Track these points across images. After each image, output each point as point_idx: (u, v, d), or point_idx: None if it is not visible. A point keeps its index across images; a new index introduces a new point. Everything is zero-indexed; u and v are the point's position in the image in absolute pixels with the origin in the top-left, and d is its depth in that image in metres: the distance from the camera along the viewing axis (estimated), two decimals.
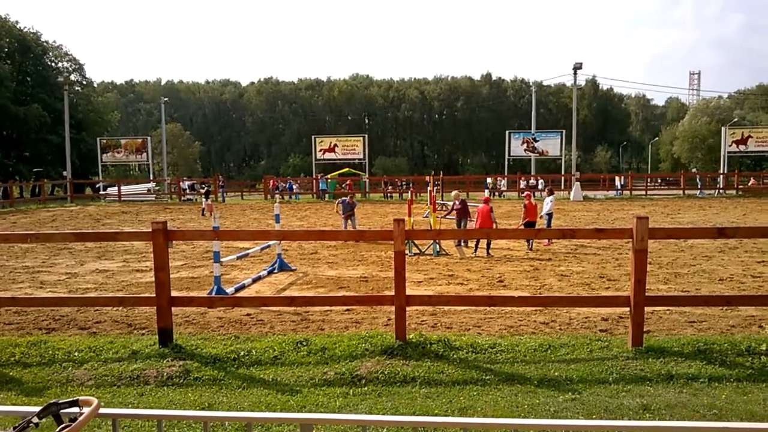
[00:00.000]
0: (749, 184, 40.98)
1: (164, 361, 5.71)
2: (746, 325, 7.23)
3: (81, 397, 1.97)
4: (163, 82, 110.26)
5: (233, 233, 11.16)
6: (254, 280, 10.44)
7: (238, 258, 10.87)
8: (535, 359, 5.64)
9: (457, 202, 15.14)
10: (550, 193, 16.30)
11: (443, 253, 13.65)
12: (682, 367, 5.35)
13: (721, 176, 41.53)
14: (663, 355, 5.64)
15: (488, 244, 13.68)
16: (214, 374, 5.44)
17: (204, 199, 26.84)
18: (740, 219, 21.81)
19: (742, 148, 43.64)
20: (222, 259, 9.42)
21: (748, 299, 7.33)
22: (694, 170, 66.00)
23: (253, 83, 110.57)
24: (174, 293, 6.75)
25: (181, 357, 5.82)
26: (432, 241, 13.73)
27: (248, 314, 8.01)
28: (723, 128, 46.12)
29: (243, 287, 9.84)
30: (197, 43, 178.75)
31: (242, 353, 5.89)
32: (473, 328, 7.22)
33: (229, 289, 9.35)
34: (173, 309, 6.40)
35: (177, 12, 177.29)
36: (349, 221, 16.72)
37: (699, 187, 39.61)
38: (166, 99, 58.70)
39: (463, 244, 14.24)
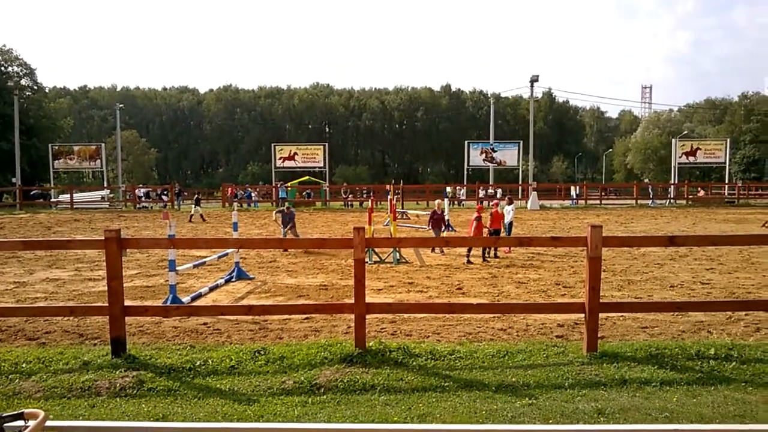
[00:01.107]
0: (698, 194, 42.40)
1: (117, 372, 5.55)
2: (696, 330, 7.45)
3: (26, 410, 1.91)
4: (118, 88, 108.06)
5: (189, 241, 10.94)
6: (211, 289, 10.26)
7: (195, 266, 10.68)
8: (493, 365, 5.70)
9: (438, 211, 15.61)
10: (510, 202, 16.56)
11: (403, 261, 13.68)
12: (635, 371, 5.48)
13: (672, 186, 42.89)
14: (617, 360, 5.76)
15: (486, 250, 14.21)
16: (169, 385, 5.31)
17: (194, 206, 27.94)
18: (690, 228, 22.54)
19: (691, 159, 45.16)
20: (178, 268, 9.24)
21: (698, 305, 7.57)
22: (646, 180, 68.10)
23: (211, 90, 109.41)
24: (128, 302, 6.59)
25: (134, 367, 5.67)
26: (392, 249, 13.75)
27: (205, 323, 7.86)
28: (673, 140, 47.68)
29: (200, 296, 9.67)
30: (154, 50, 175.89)
31: (198, 363, 5.77)
32: (432, 335, 7.25)
33: (185, 298, 9.17)
34: (127, 318, 6.24)
35: (133, 17, 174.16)
36: (290, 232, 16.11)
37: (651, 197, 40.80)
38: (121, 105, 57.38)
39: (438, 251, 14.96)
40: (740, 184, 46.98)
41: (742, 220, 26.01)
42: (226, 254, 11.95)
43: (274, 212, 17.41)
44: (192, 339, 7.16)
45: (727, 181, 47.56)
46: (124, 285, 6.42)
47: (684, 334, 7.26)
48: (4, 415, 1.84)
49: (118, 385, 5.29)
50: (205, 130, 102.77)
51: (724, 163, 45.88)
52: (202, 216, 27.53)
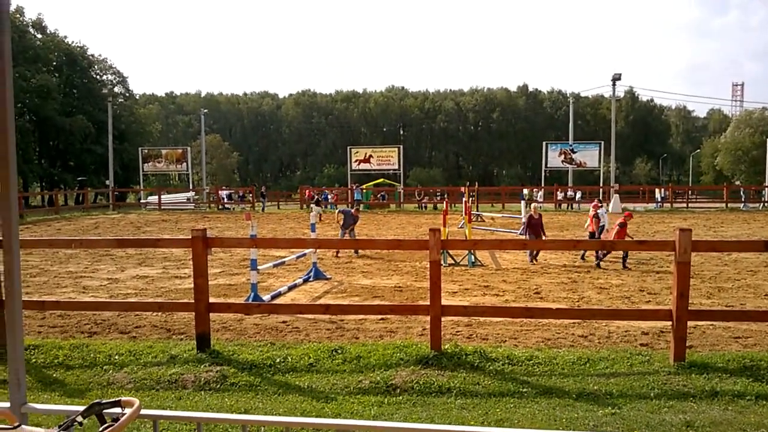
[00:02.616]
0: None
1: (202, 366, 5.79)
2: None
3: (123, 398, 2.01)
4: (203, 94, 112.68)
5: (270, 241, 11.26)
6: (290, 288, 10.52)
7: (275, 266, 10.99)
8: (573, 372, 5.54)
9: (536, 216, 14.72)
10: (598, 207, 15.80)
11: (478, 264, 13.53)
12: (728, 383, 5.18)
13: (766, 189, 40.28)
14: (707, 370, 5.47)
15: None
16: (251, 380, 5.48)
17: (314, 206, 28.29)
18: None
19: None
20: (259, 267, 9.53)
21: None
22: (737, 183, 64.22)
23: (290, 95, 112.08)
24: (212, 300, 6.85)
25: (218, 362, 5.89)
26: (467, 252, 13.63)
27: (284, 321, 8.06)
28: None
29: (279, 295, 9.93)
30: (236, 57, 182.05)
31: (278, 360, 5.93)
32: (509, 340, 7.13)
33: (266, 297, 9.45)
34: (211, 315, 6.49)
35: (217, 26, 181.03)
36: (348, 235, 15.90)
37: (743, 200, 38.46)
38: (205, 110, 59.90)
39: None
40: None
41: None
42: (304, 254, 12.21)
43: (337, 211, 17.32)
44: (272, 336, 7.36)
45: None
46: (209, 283, 6.68)
47: None
48: (103, 402, 1.95)
49: (202, 379, 5.51)
50: (284, 133, 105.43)
51: None
52: (320, 216, 28.13)
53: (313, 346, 6.40)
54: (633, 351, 6.24)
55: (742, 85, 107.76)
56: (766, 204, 37.92)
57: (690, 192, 45.67)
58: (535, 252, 14.02)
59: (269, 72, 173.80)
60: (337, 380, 5.43)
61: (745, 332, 7.36)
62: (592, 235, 14.43)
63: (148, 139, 60.88)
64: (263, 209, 37.61)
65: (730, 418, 4.46)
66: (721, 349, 6.55)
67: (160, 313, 8.56)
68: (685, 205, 38.35)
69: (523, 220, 21.41)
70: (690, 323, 6.32)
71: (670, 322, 5.83)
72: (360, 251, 15.23)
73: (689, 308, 5.76)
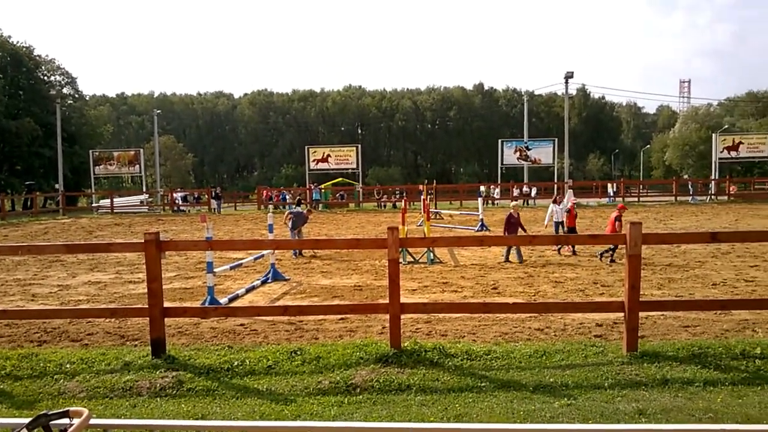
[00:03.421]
0: (731, 190, 40.78)
1: (157, 372, 5.66)
2: (740, 329, 7.24)
3: (71, 408, 1.95)
4: (155, 95, 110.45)
5: (226, 243, 11.12)
6: (248, 290, 10.39)
7: (232, 268, 10.83)
8: (530, 365, 5.63)
9: (515, 214, 14.40)
10: (556, 201, 16.07)
11: (437, 261, 13.63)
12: (678, 371, 5.35)
13: (713, 182, 41.78)
14: (658, 359, 5.63)
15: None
16: (208, 385, 5.39)
17: (296, 207, 28.77)
18: (732, 224, 21.91)
19: (733, 154, 43.92)
20: (215, 270, 9.38)
21: (742, 303, 7.36)
22: (686, 176, 66.47)
23: (246, 95, 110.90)
24: (167, 304, 6.72)
25: (174, 368, 5.78)
26: (426, 249, 13.71)
27: (242, 324, 7.96)
28: (714, 135, 46.46)
29: (236, 297, 9.80)
30: (190, 56, 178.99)
31: (236, 363, 5.85)
32: (468, 336, 7.20)
33: (223, 300, 9.31)
34: (166, 320, 6.36)
35: (169, 25, 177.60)
36: (296, 236, 15.66)
37: (691, 193, 39.80)
38: (158, 111, 58.65)
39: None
40: None
41: None
42: (262, 256, 12.08)
43: (287, 212, 17.05)
44: (229, 340, 7.26)
45: None
46: (164, 287, 6.54)
47: (728, 333, 7.06)
48: (51, 413, 1.89)
49: (158, 385, 5.39)
50: (240, 134, 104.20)
51: None
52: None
53: (272, 348, 6.34)
54: (587, 342, 6.37)
55: (689, 82, 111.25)
56: (712, 197, 39.29)
57: (641, 186, 47.00)
58: (510, 250, 13.83)
59: (224, 71, 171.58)
60: (297, 382, 5.39)
61: (694, 321, 7.60)
62: (571, 230, 14.71)
63: (100, 141, 59.36)
64: (219, 211, 37.05)
65: (680, 404, 4.60)
66: (671, 338, 6.76)
67: (113, 320, 8.33)
68: (636, 199, 39.47)
69: (481, 216, 21.72)
70: (642, 314, 6.49)
71: (622, 314, 5.97)
72: (302, 252, 15.17)
73: (641, 299, 5.92)
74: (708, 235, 6.47)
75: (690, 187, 41.69)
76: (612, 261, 12.85)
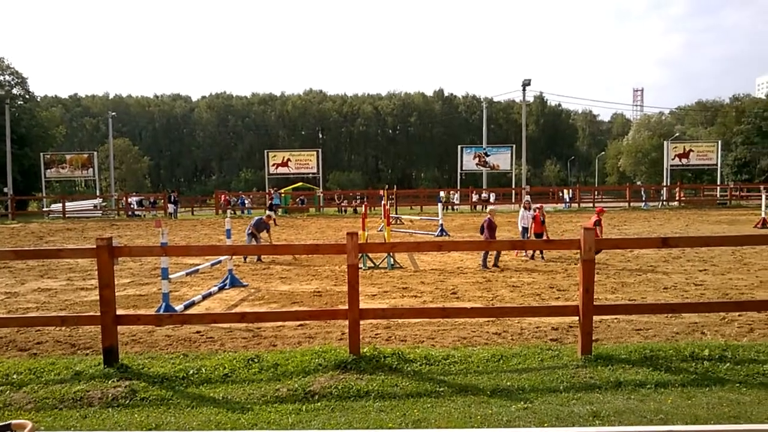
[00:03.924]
0: (679, 197, 42.04)
1: (109, 382, 5.51)
2: (690, 331, 7.46)
3: (14, 421, 1.89)
4: (111, 96, 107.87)
5: (182, 249, 10.89)
6: (204, 297, 10.21)
7: (188, 274, 10.63)
8: (487, 370, 5.68)
9: (494, 219, 14.30)
10: (527, 208, 16.11)
11: (397, 266, 13.66)
12: (630, 373, 5.47)
13: (665, 189, 43.05)
14: (611, 362, 5.75)
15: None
16: (162, 394, 5.27)
17: (268, 211, 29.07)
18: (683, 229, 22.61)
19: (684, 161, 45.45)
20: (171, 276, 9.19)
21: (691, 307, 7.57)
22: (638, 183, 68.34)
23: (204, 97, 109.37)
24: (120, 311, 6.55)
25: (127, 377, 5.63)
26: (386, 254, 13.73)
27: (198, 332, 7.82)
28: (665, 142, 47.94)
29: (193, 304, 9.62)
30: (147, 57, 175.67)
31: (191, 372, 5.73)
32: (427, 340, 7.22)
33: (178, 307, 9.12)
34: (119, 328, 6.19)
35: (124, 24, 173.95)
36: (254, 241, 15.62)
37: (644, 199, 40.93)
38: (113, 113, 57.35)
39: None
40: (732, 186, 47.25)
41: (734, 221, 26.13)
42: (220, 261, 11.90)
43: (251, 220, 16.96)
44: (185, 347, 7.12)
45: (719, 183, 47.79)
46: (117, 294, 6.38)
47: (678, 335, 7.27)
48: None
49: (110, 395, 5.25)
50: (198, 137, 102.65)
51: (716, 164, 46.17)
52: (274, 221, 28.15)
53: (229, 356, 6.24)
54: (543, 346, 6.47)
55: (642, 90, 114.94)
56: (664, 203, 40.48)
57: (596, 192, 48.07)
58: (487, 256, 13.98)
59: (182, 74, 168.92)
60: (254, 390, 5.31)
61: (646, 324, 7.81)
62: (538, 235, 14.82)
63: (52, 144, 57.63)
64: (175, 215, 36.35)
65: (633, 406, 4.70)
66: (624, 341, 6.92)
67: (63, 328, 8.08)
68: (591, 204, 40.34)
69: (441, 221, 21.87)
70: (596, 318, 6.62)
71: (577, 318, 6.08)
72: (261, 257, 15.06)
73: (595, 303, 6.04)
74: (659, 240, 6.64)
75: (643, 193, 42.89)
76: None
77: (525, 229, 15.21)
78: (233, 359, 6.05)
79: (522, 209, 15.74)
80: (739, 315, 8.14)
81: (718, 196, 43.70)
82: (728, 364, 5.65)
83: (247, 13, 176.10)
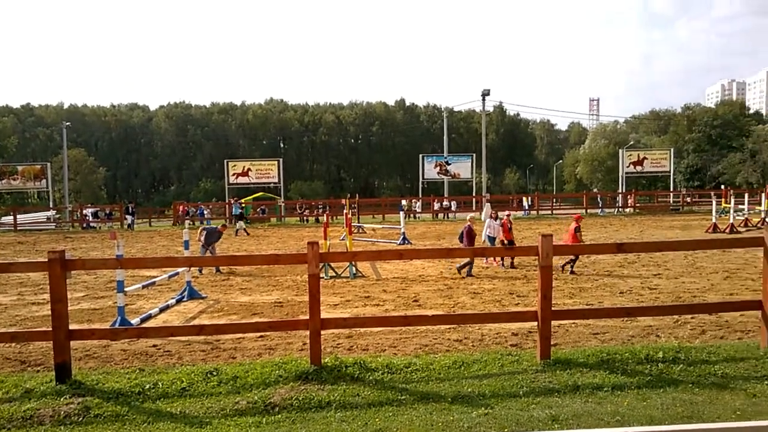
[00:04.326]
0: (630, 203, 43.04)
1: (62, 399, 5.33)
2: (645, 334, 7.65)
3: None
4: (65, 106, 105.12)
5: (138, 261, 10.63)
6: (162, 310, 10.00)
7: (144, 287, 10.40)
8: (449, 376, 5.70)
9: (473, 227, 14.49)
10: (494, 217, 16.15)
11: (360, 275, 13.64)
12: (588, 377, 5.56)
13: (620, 195, 44.13)
14: (570, 366, 5.84)
15: (572, 262, 13.51)
16: (117, 410, 5.12)
17: (238, 222, 30.22)
18: (638, 235, 23.19)
19: (638, 169, 46.70)
20: (126, 289, 8.99)
21: (646, 310, 7.76)
22: (595, 190, 69.91)
23: (162, 107, 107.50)
24: (73, 326, 6.36)
25: (80, 393, 5.46)
26: (348, 264, 13.69)
27: (155, 345, 7.64)
28: (620, 150, 49.20)
29: (149, 317, 9.41)
30: (103, 66, 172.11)
31: (148, 386, 5.59)
32: (389, 349, 7.22)
33: (134, 320, 8.91)
34: (72, 343, 6.01)
35: (80, 33, 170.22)
36: (208, 252, 15.27)
37: (600, 206, 41.85)
38: (68, 123, 55.80)
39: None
40: (684, 192, 48.75)
41: (686, 226, 26.93)
42: (177, 273, 11.69)
43: (200, 228, 16.59)
44: (141, 362, 6.95)
45: (672, 190, 49.24)
46: (70, 308, 6.20)
47: (634, 338, 7.43)
48: None
49: (62, 412, 5.08)
50: (156, 147, 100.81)
51: (669, 172, 47.59)
52: (246, 231, 29.26)
53: (187, 370, 6.11)
54: (504, 352, 6.53)
55: (598, 100, 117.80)
56: (620, 209, 41.45)
57: (554, 200, 48.96)
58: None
59: (139, 83, 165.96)
60: (213, 403, 5.21)
61: (603, 328, 7.97)
62: (510, 242, 14.81)
63: (2, 155, 55.85)
64: (132, 227, 35.57)
65: (590, 409, 4.78)
66: (582, 345, 7.05)
67: (13, 344, 7.80)
68: (550, 212, 41.06)
69: (403, 229, 21.94)
70: (554, 323, 6.72)
71: (536, 323, 6.16)
72: (220, 269, 14.87)
73: (553, 309, 6.13)
74: (614, 246, 6.80)
75: (599, 200, 43.87)
76: (572, 272, 13.15)
77: (491, 239, 15.10)
78: (191, 373, 5.93)
79: (488, 219, 15.78)
80: (691, 317, 8.38)
81: (671, 202, 44.98)
82: (681, 366, 5.79)
83: (206, 22, 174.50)
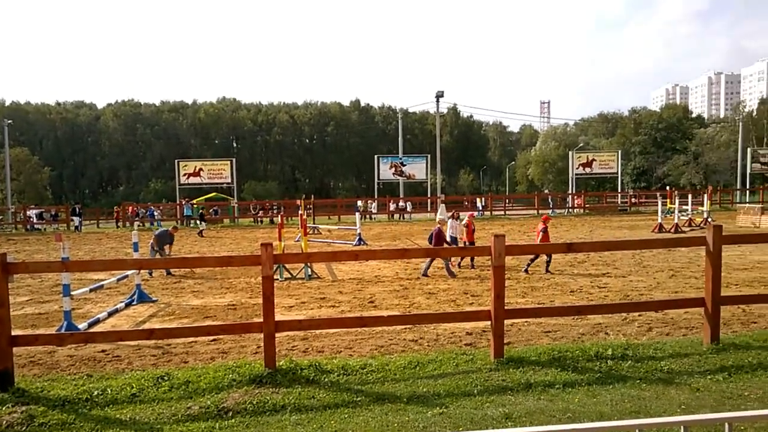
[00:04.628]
0: (577, 204, 44.15)
1: (3, 408, 5.12)
2: (595, 332, 7.85)
3: None
4: (7, 103, 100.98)
5: (84, 264, 10.34)
6: (110, 314, 9.72)
7: (92, 290, 10.09)
8: (404, 377, 5.72)
9: (443, 228, 14.36)
10: (455, 218, 16.16)
11: (315, 276, 13.56)
12: (540, 375, 5.67)
13: (570, 196, 45.20)
14: (522, 364, 5.94)
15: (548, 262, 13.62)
16: (64, 418, 4.95)
17: (200, 222, 30.36)
18: (587, 235, 23.79)
19: (587, 170, 47.91)
20: (73, 293, 8.70)
21: (596, 308, 7.94)
22: (546, 191, 71.44)
23: (110, 105, 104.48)
24: (16, 331, 6.13)
25: (24, 402, 5.25)
26: (303, 265, 13.60)
27: (103, 351, 7.43)
28: (570, 152, 50.40)
29: (98, 321, 9.14)
30: (47, 63, 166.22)
31: (96, 393, 5.43)
32: (345, 350, 7.21)
33: (82, 325, 8.64)
34: (15, 349, 5.79)
35: (22, 27, 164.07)
36: (159, 254, 15.06)
37: (551, 206, 42.77)
38: (10, 121, 53.62)
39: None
40: (631, 193, 50.27)
41: (634, 226, 27.77)
42: (126, 276, 11.39)
43: (153, 233, 16.28)
44: (89, 368, 6.74)
45: (619, 190, 50.70)
46: (13, 313, 5.97)
47: (584, 336, 7.62)
48: None
49: (4, 422, 4.88)
50: (104, 146, 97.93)
51: (617, 173, 48.98)
52: (201, 233, 29.15)
53: (137, 375, 5.96)
54: (458, 351, 6.60)
55: (549, 102, 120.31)
56: (570, 210, 42.43)
57: (507, 200, 49.77)
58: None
59: (86, 80, 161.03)
60: (164, 409, 5.09)
61: (554, 326, 8.14)
62: (471, 244, 14.86)
63: None
64: (80, 229, 34.49)
65: (543, 406, 4.87)
66: (534, 344, 7.18)
67: None
68: (503, 212, 41.72)
69: (359, 230, 21.92)
70: (507, 321, 6.84)
71: (490, 322, 6.24)
72: (171, 271, 14.58)
73: (506, 308, 6.22)
74: (564, 245, 6.96)
75: (550, 201, 44.83)
76: (547, 270, 13.33)
77: (453, 239, 14.98)
78: (141, 378, 5.79)
79: (450, 219, 15.79)
80: (639, 315, 8.65)
81: (619, 203, 46.32)
82: (630, 362, 5.97)
83: (155, 18, 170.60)
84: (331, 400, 5.20)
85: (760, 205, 29.44)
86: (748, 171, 46.64)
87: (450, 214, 16.00)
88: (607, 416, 4.61)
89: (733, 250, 15.77)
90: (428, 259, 13.54)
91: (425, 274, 13.24)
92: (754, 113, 79.87)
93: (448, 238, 14.74)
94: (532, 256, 13.59)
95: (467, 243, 14.81)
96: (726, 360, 5.94)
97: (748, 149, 48.32)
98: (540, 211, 40.32)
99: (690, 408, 4.75)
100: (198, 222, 30.42)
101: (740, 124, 62.02)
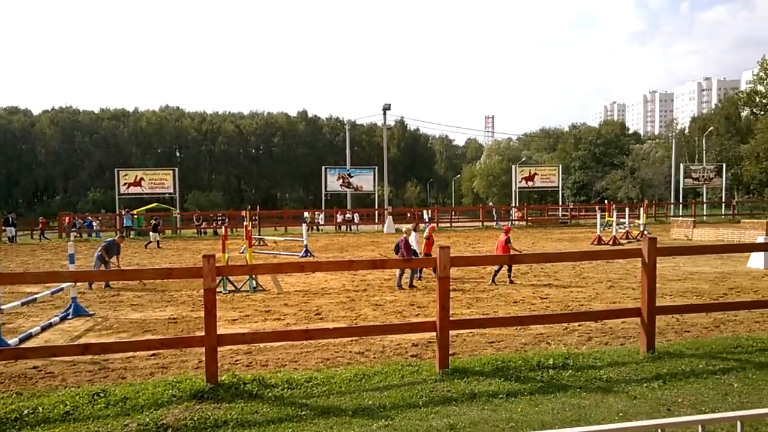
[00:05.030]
0: (517, 217, 45.06)
1: None
2: (537, 342, 8.00)
3: None
4: None
5: (16, 276, 9.87)
6: (44, 328, 9.29)
7: (24, 304, 9.63)
8: (350, 390, 5.68)
9: (409, 237, 14.31)
10: (416, 229, 16.06)
11: (260, 288, 13.36)
12: (484, 385, 5.73)
13: (514, 209, 46.18)
14: (467, 375, 6.00)
15: (497, 272, 13.67)
16: None
17: (152, 233, 29.07)
18: (530, 247, 24.31)
19: (530, 184, 49.11)
20: (3, 306, 8.29)
21: (538, 319, 8.12)
22: (491, 204, 72.78)
23: (46, 111, 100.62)
24: None
25: None
26: (248, 277, 13.38)
27: (35, 367, 7.09)
28: (513, 166, 51.59)
29: (30, 337, 8.72)
30: None
31: (26, 412, 5.17)
32: (290, 364, 7.11)
33: (12, 340, 8.22)
34: None
35: None
36: (103, 266, 14.76)
37: (495, 219, 43.57)
38: None
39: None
40: (572, 206, 51.75)
41: (574, 238, 28.57)
42: (62, 289, 10.94)
43: (101, 244, 15.92)
44: (19, 385, 6.42)
45: (560, 204, 52.12)
46: None
47: (526, 346, 7.76)
48: None
49: None
50: (40, 154, 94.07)
51: (558, 186, 50.39)
52: (158, 243, 28.28)
53: (71, 392, 5.71)
54: (404, 363, 6.61)
55: (493, 117, 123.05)
56: (513, 222, 43.31)
57: (453, 213, 50.41)
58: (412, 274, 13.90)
59: (20, 85, 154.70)
60: (100, 427, 4.90)
61: (498, 337, 8.26)
62: (428, 255, 14.76)
63: None
64: (14, 240, 33.00)
65: (487, 416, 4.93)
66: (478, 354, 7.26)
67: None
68: (449, 224, 42.22)
69: (305, 242, 21.73)
70: (452, 332, 6.90)
71: (435, 333, 6.29)
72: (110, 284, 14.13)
73: (451, 319, 6.28)
74: (507, 257, 7.09)
75: (494, 213, 45.65)
76: (510, 281, 13.55)
77: (414, 251, 15.01)
78: (76, 395, 5.55)
79: (413, 231, 15.63)
80: (579, 325, 8.87)
81: (560, 215, 47.57)
82: (570, 371, 6.11)
83: (93, 22, 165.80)
84: (275, 414, 5.11)
85: (692, 219, 30.80)
86: (681, 186, 48.72)
87: (412, 225, 15.98)
88: (549, 425, 4.69)
89: (667, 261, 16.42)
90: (398, 271, 13.50)
91: (400, 286, 13.19)
92: (686, 131, 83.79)
93: (414, 247, 14.68)
94: (496, 267, 13.80)
95: (425, 255, 14.82)
96: (661, 368, 6.16)
97: (681, 165, 50.50)
98: (484, 224, 41.03)
99: (627, 415, 4.89)
100: (151, 233, 29.46)
101: (673, 140, 64.96)
